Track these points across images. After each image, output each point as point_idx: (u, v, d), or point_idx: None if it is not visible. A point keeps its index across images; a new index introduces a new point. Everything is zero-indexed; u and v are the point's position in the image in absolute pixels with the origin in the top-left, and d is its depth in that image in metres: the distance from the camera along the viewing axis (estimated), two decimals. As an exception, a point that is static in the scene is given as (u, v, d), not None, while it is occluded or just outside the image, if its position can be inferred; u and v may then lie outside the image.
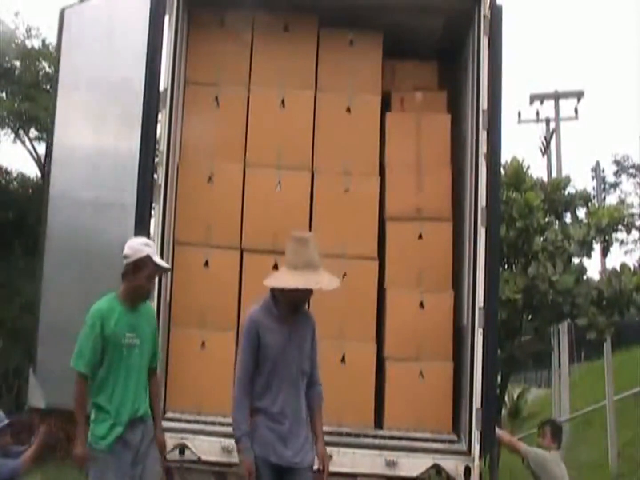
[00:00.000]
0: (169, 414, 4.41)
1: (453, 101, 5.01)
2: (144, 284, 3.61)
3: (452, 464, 4.11)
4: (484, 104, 4.33)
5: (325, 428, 4.34)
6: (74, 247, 4.41)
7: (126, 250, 3.56)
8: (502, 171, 8.57)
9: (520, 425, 14.18)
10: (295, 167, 4.72)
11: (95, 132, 4.50)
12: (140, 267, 3.53)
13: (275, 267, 4.59)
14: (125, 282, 3.58)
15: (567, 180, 10.01)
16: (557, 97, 18.65)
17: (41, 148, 13.02)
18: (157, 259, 3.60)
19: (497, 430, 5.11)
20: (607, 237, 9.32)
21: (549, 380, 23.39)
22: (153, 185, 4.27)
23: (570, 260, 8.86)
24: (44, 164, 4.77)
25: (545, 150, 18.82)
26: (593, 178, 19.18)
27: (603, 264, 13.42)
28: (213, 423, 4.35)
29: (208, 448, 4.16)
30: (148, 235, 4.26)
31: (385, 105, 4.91)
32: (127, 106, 4.33)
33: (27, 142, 13.30)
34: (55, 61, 4.88)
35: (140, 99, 4.26)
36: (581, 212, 9.73)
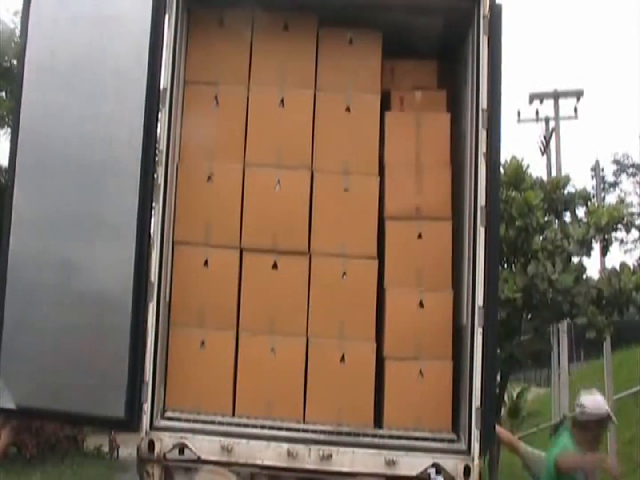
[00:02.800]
0: (168, 414, 4.41)
1: (453, 100, 5.00)
2: (601, 438, 4.33)
3: (451, 463, 4.11)
4: (483, 103, 4.33)
5: (325, 427, 4.40)
6: (46, 236, 4.24)
7: (589, 403, 4.24)
8: (502, 170, 8.59)
9: (520, 425, 14.20)
10: (294, 166, 4.71)
11: (80, 120, 4.31)
12: (604, 423, 4.19)
13: (275, 266, 4.61)
14: (584, 433, 4.19)
15: (567, 180, 10.04)
16: (556, 96, 18.70)
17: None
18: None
19: (497, 427, 5.10)
20: (606, 237, 9.35)
21: (548, 379, 23.43)
22: (154, 185, 4.27)
23: (570, 260, 8.88)
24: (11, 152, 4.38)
25: (545, 149, 18.87)
26: (592, 177, 19.25)
27: (602, 263, 13.46)
28: (212, 422, 4.36)
29: (208, 447, 4.17)
30: (149, 236, 4.26)
31: (385, 105, 4.91)
32: (120, 95, 4.28)
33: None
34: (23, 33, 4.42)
35: (133, 91, 4.23)
36: (581, 212, 9.77)
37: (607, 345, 13.76)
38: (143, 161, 4.21)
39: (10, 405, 4.12)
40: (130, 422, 4.13)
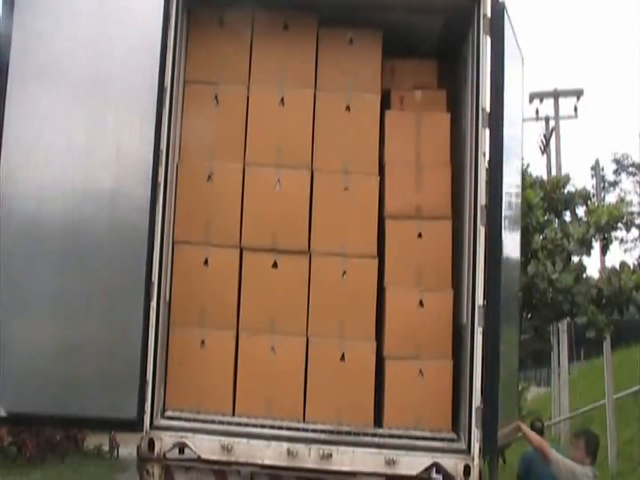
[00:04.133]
0: (169, 413, 4.41)
1: (453, 100, 5.01)
2: None
3: (451, 463, 4.12)
4: (483, 103, 4.33)
5: (325, 427, 4.40)
6: (41, 228, 4.10)
7: None
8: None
9: (520, 424, 14.17)
10: (294, 165, 4.72)
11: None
12: None
13: (275, 265, 4.61)
14: None
15: (567, 179, 10.03)
16: (556, 95, 18.70)
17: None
18: None
19: (527, 429, 5.02)
20: (606, 236, 9.34)
21: (548, 378, 23.44)
22: (158, 185, 4.26)
23: (570, 259, 8.87)
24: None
25: (545, 148, 18.86)
26: (592, 176, 19.24)
27: (602, 262, 13.46)
28: (213, 421, 4.36)
29: (208, 446, 4.17)
30: (153, 236, 4.23)
31: (385, 104, 4.91)
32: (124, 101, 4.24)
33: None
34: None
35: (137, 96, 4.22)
36: (580, 211, 9.76)
37: (607, 345, 13.75)
38: (154, 163, 4.20)
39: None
40: (140, 423, 4.11)
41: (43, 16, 4.22)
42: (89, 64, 4.24)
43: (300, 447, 4.16)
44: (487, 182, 4.26)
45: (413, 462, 4.14)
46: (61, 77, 4.22)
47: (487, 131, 4.31)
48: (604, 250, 9.92)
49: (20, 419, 4.17)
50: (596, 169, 18.31)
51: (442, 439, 4.35)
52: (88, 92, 4.23)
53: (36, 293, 4.07)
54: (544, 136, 18.94)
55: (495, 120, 4.30)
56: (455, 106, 4.96)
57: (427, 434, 4.41)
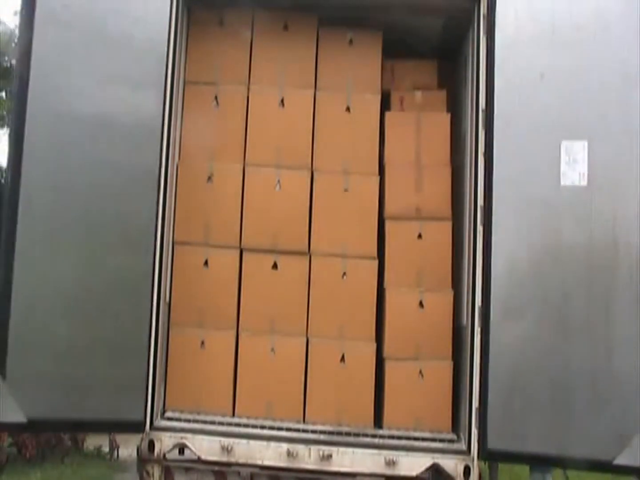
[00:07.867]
0: (169, 414, 4.42)
1: (453, 100, 5.01)
2: None
3: (451, 463, 4.12)
4: (483, 103, 4.33)
5: (325, 427, 4.41)
6: (60, 223, 4.05)
7: None
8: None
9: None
10: (294, 166, 4.72)
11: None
12: None
13: (275, 266, 4.61)
14: None
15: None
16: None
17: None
18: None
19: None
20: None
21: (548, 379, 23.38)
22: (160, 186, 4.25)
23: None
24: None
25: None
26: (593, 177, 19.16)
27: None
28: (212, 422, 4.36)
29: (208, 447, 4.17)
30: (155, 236, 4.22)
31: (385, 105, 4.92)
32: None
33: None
34: None
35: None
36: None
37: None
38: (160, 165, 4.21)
39: (17, 418, 3.77)
40: (146, 424, 4.12)
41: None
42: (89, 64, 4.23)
43: (300, 448, 4.16)
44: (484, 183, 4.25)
45: (413, 463, 4.14)
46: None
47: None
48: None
49: (37, 425, 4.02)
50: (596, 169, 18.28)
51: (442, 440, 4.35)
52: (91, 93, 4.22)
53: (43, 302, 4.00)
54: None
55: (488, 120, 4.27)
56: (455, 106, 4.96)
57: (427, 434, 4.41)
